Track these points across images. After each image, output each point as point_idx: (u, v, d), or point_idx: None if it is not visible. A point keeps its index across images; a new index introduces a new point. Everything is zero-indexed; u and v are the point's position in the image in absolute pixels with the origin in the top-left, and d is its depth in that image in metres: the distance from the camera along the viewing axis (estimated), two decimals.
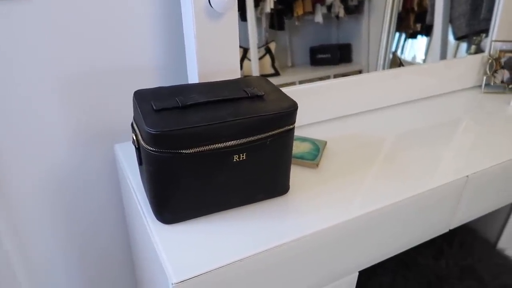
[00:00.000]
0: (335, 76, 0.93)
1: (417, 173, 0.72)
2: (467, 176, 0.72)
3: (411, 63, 1.03)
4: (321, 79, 0.91)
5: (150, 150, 0.52)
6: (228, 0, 0.62)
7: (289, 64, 0.87)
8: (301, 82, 0.89)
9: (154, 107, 0.54)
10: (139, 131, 0.55)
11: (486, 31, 1.11)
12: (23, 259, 0.84)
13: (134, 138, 0.57)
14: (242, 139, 0.55)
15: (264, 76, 0.85)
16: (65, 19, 0.69)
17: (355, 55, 0.94)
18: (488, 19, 1.10)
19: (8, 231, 0.80)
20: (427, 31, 1.02)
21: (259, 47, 0.82)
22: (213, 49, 0.69)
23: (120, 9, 0.72)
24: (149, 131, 0.50)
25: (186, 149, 0.52)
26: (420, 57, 1.04)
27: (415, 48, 1.02)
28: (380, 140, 0.84)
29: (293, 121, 0.58)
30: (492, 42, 1.11)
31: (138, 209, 0.62)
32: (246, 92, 0.60)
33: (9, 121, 0.71)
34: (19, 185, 0.77)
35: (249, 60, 0.82)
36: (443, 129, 0.90)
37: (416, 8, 0.98)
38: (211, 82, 0.64)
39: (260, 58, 0.83)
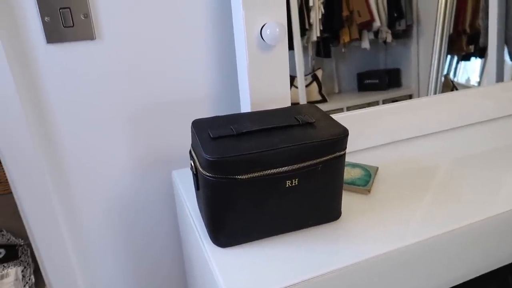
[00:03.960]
0: (384, 102, 0.92)
1: (476, 199, 0.69)
2: None
3: (465, 85, 1.00)
4: (369, 104, 0.90)
5: (208, 176, 0.55)
6: (278, 34, 0.66)
7: (336, 90, 0.88)
8: (348, 108, 0.89)
9: (211, 135, 0.57)
10: (197, 158, 0.58)
11: None
12: (89, 282, 0.90)
13: (192, 164, 0.60)
14: (294, 165, 0.56)
15: (312, 103, 0.86)
16: (131, 57, 0.75)
17: (404, 80, 0.93)
18: None
19: (75, 250, 0.86)
20: (480, 52, 0.99)
21: (306, 75, 0.84)
22: (264, 79, 0.72)
23: (179, 46, 0.78)
24: (207, 158, 0.53)
25: (241, 174, 0.54)
26: (474, 79, 1.01)
27: (469, 70, 1.00)
28: (434, 166, 0.82)
29: (344, 147, 0.59)
30: None
31: (195, 233, 0.65)
32: (297, 119, 0.62)
33: (81, 152, 0.79)
34: (88, 210, 0.83)
35: (296, 87, 0.84)
36: (502, 153, 0.86)
37: (468, 30, 0.96)
38: (263, 110, 0.66)
39: (307, 86, 0.85)
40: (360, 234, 0.61)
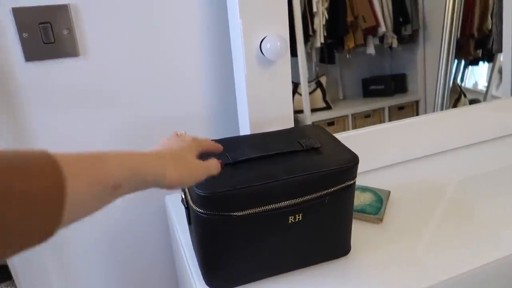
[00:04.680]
0: (390, 108, 0.91)
1: (501, 229, 0.63)
2: None
3: (472, 90, 0.98)
4: (374, 110, 0.89)
5: (200, 212, 0.49)
6: (280, 48, 0.60)
7: (341, 96, 0.86)
8: (353, 115, 0.88)
9: None
10: (188, 191, 0.52)
11: None
12: None
13: (183, 197, 0.54)
14: (297, 198, 0.50)
15: (315, 110, 0.85)
16: (119, 75, 0.70)
17: (410, 85, 0.92)
18: None
19: (61, 283, 0.80)
20: (488, 56, 0.98)
21: (309, 82, 0.82)
22: (264, 98, 0.67)
23: (172, 62, 0.73)
24: (198, 192, 0.47)
25: (237, 211, 0.49)
26: (482, 83, 0.99)
27: (476, 74, 0.98)
28: (451, 188, 0.76)
29: (353, 176, 0.53)
30: None
31: (187, 271, 0.59)
32: (301, 144, 0.56)
33: None
34: (76, 239, 0.78)
35: (300, 94, 0.81)
36: None
37: (476, 34, 0.94)
38: (263, 133, 0.61)
39: (311, 93, 0.83)
40: (372, 273, 0.55)
